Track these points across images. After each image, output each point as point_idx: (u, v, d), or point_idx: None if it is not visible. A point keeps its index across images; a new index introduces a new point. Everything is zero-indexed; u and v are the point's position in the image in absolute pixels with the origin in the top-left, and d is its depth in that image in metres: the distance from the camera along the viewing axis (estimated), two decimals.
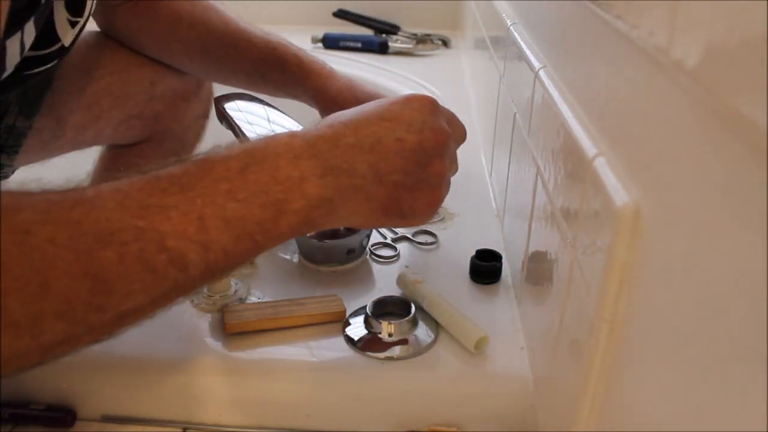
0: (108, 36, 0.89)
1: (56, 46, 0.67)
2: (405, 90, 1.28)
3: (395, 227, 0.50)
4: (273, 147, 0.42)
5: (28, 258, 0.33)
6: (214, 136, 1.02)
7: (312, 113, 0.84)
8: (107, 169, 1.00)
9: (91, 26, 0.91)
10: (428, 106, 0.49)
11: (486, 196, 0.84)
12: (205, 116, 1.03)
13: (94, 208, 0.36)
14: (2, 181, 0.89)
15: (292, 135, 0.44)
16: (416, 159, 0.46)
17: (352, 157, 0.44)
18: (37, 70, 0.67)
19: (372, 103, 0.49)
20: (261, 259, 0.68)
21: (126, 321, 0.38)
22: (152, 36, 0.87)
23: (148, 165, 0.40)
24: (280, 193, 0.41)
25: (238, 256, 0.40)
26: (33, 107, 0.82)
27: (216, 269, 0.39)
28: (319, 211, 0.42)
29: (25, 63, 0.64)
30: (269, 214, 0.40)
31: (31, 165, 0.91)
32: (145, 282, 0.36)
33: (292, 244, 0.69)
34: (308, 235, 0.65)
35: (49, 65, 0.68)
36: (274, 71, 0.81)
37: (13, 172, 0.90)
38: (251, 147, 0.42)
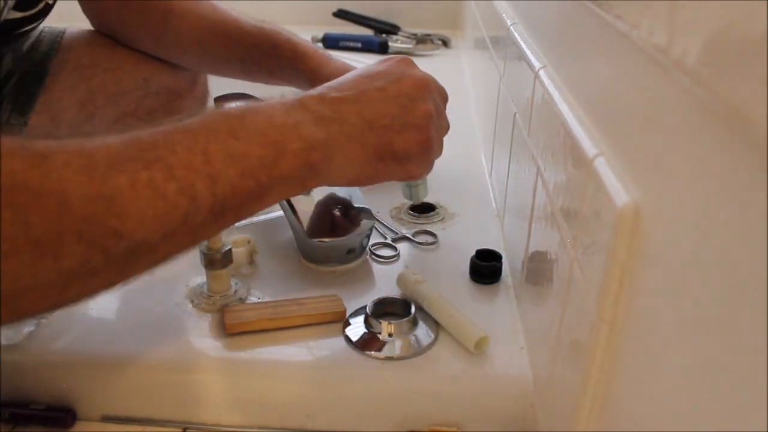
0: (101, 34, 0.90)
1: (41, 5, 0.71)
2: None
3: (394, 177, 0.52)
4: (266, 104, 0.46)
5: (47, 178, 0.34)
6: None
7: None
8: None
9: (86, 24, 0.91)
10: (404, 60, 0.54)
11: (486, 196, 0.84)
12: None
13: (103, 145, 0.38)
14: None
15: (281, 96, 0.48)
16: (400, 103, 0.50)
17: (339, 108, 0.48)
18: (27, 29, 0.72)
19: (353, 70, 0.55)
20: (261, 259, 0.68)
21: (140, 259, 0.39)
22: (145, 29, 0.88)
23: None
24: (278, 135, 0.43)
25: (245, 197, 0.42)
26: (27, 104, 0.83)
27: (224, 207, 0.41)
28: (317, 153, 0.45)
29: (15, 23, 0.67)
30: (270, 152, 0.43)
31: None
32: (157, 209, 0.37)
33: (292, 244, 0.70)
34: (308, 235, 0.65)
35: (36, 23, 0.74)
36: (268, 56, 0.83)
37: None
38: (246, 105, 0.46)
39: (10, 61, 0.83)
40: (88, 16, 0.90)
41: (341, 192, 0.70)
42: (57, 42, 0.87)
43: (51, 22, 0.90)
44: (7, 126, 0.82)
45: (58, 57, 0.86)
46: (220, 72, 0.91)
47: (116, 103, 0.90)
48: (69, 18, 0.92)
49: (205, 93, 1.01)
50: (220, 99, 0.77)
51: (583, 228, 0.39)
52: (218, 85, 0.93)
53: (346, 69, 0.80)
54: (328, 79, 0.79)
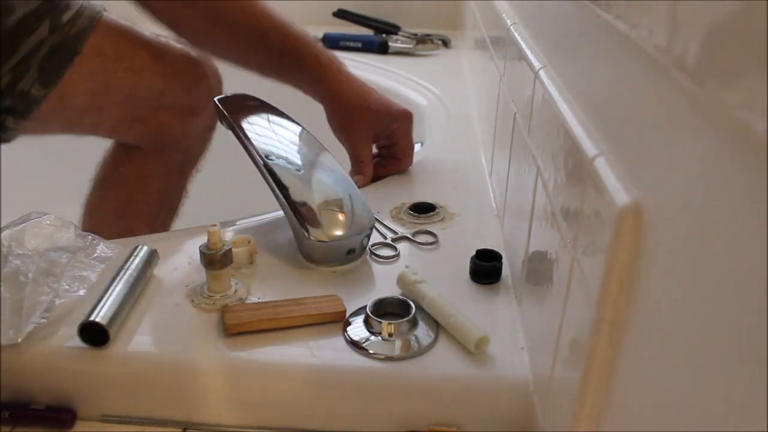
0: (132, 25, 0.89)
1: None
2: (405, 90, 1.28)
3: None
4: None
5: None
6: (214, 136, 1.03)
7: (308, 114, 0.84)
8: (109, 174, 1.01)
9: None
10: None
11: (486, 196, 0.84)
12: (212, 128, 1.04)
13: None
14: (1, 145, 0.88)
15: None
16: None
17: None
18: None
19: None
20: (261, 259, 0.68)
21: None
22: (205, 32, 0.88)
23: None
24: None
25: None
26: (52, 78, 0.82)
27: None
28: None
29: None
30: None
31: (32, 163, 0.91)
32: None
33: (292, 244, 0.70)
34: (307, 235, 0.65)
35: None
36: (292, 68, 0.84)
37: (15, 138, 0.89)
38: None
39: (46, 29, 0.81)
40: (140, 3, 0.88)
41: (340, 191, 0.70)
42: (95, 21, 0.85)
43: None
44: (26, 96, 0.81)
45: (89, 41, 0.84)
46: (236, 65, 0.91)
47: (128, 104, 0.90)
48: None
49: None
50: (221, 100, 0.77)
51: (583, 228, 0.39)
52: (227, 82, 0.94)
53: (365, 95, 0.83)
54: (345, 105, 0.86)
